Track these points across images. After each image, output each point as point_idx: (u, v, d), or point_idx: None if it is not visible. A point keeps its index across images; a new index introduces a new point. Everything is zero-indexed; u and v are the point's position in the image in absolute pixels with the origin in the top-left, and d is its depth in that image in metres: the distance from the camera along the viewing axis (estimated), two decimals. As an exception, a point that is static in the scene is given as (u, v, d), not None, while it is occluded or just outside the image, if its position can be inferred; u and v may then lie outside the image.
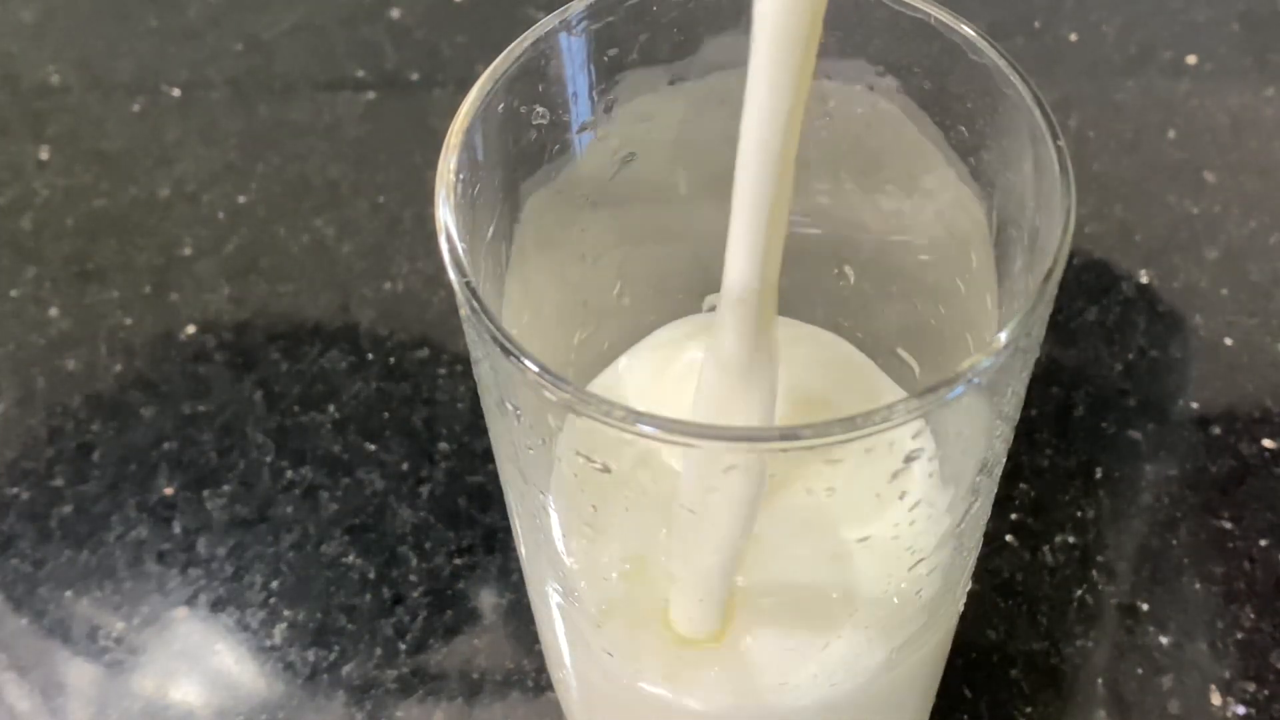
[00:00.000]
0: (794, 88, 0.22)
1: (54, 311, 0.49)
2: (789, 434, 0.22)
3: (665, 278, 0.32)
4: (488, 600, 0.42)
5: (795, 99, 0.22)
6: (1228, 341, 0.46)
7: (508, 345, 0.23)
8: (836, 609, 0.29)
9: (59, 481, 0.45)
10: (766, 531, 0.27)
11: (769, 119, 0.22)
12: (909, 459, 0.24)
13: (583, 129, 0.29)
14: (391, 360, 0.47)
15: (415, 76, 0.55)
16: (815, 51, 0.22)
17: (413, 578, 0.42)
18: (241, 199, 0.51)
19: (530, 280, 0.29)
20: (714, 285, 0.25)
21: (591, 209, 0.29)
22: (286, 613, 0.42)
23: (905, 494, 0.26)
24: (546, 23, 0.27)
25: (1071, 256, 0.24)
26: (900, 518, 0.27)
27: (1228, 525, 0.42)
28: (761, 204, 0.23)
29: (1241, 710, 0.39)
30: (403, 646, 0.41)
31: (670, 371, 0.33)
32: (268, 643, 0.41)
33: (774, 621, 0.30)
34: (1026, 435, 0.44)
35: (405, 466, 0.44)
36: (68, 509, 0.44)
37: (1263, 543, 0.42)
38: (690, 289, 0.33)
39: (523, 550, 0.32)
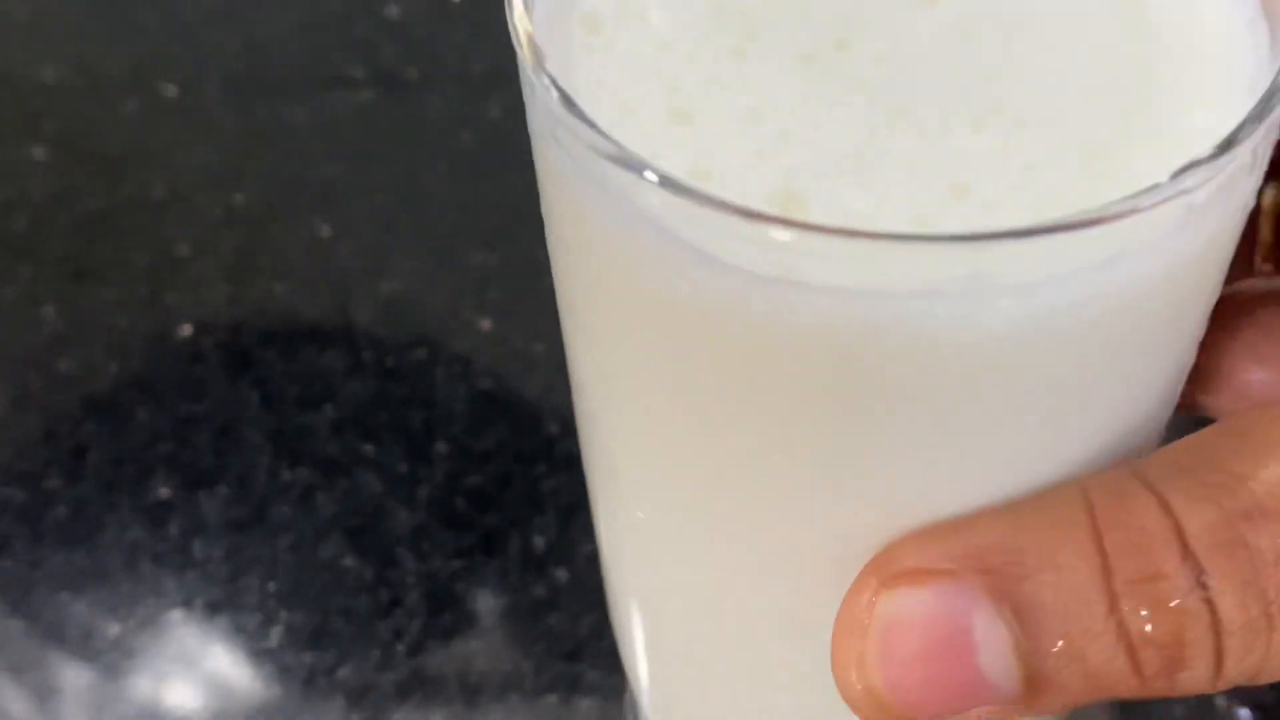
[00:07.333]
0: None
1: (49, 312, 0.49)
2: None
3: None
4: (486, 603, 0.41)
5: None
6: (1231, 341, 0.46)
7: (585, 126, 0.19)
8: None
9: (54, 483, 0.44)
10: None
11: None
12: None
13: None
14: (389, 361, 0.46)
15: (413, 75, 0.55)
16: None
17: (410, 580, 0.42)
18: (238, 198, 0.51)
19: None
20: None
21: None
22: (283, 615, 0.41)
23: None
24: None
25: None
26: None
27: (1232, 526, 0.42)
28: None
29: (1247, 714, 0.39)
30: (400, 649, 0.41)
31: None
32: (264, 645, 0.41)
33: None
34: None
35: (403, 468, 0.44)
36: (62, 510, 0.44)
37: (1267, 544, 0.42)
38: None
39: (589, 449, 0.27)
